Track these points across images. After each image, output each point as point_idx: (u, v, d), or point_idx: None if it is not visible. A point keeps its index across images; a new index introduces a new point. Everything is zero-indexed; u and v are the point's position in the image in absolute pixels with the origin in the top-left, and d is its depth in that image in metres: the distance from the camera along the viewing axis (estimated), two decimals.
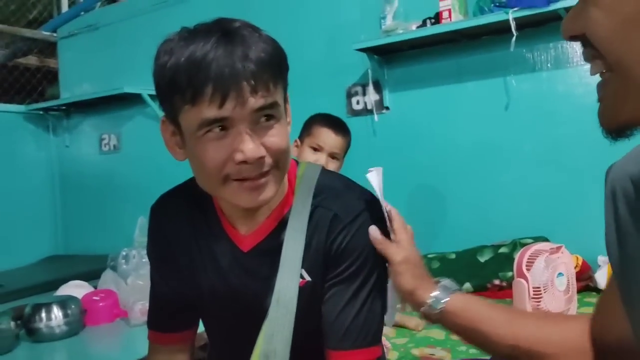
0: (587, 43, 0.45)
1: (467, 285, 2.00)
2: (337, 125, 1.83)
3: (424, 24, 2.28)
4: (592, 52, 0.45)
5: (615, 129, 0.47)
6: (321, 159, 1.79)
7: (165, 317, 0.99)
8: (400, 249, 0.86)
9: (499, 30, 2.12)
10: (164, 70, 0.76)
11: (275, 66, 0.78)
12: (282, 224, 0.87)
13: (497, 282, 1.95)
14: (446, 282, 0.86)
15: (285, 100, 0.84)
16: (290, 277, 0.84)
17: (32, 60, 4.28)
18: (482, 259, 2.08)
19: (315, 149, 1.82)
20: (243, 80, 0.73)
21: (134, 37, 3.29)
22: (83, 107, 3.58)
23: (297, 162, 0.94)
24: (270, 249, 0.87)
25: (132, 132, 3.41)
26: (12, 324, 1.70)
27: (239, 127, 0.75)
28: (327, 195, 0.87)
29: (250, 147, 0.75)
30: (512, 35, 2.04)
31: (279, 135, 0.79)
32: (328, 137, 1.76)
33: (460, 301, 0.83)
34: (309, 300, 0.85)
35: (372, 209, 0.88)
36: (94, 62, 3.60)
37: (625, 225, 0.58)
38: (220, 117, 0.74)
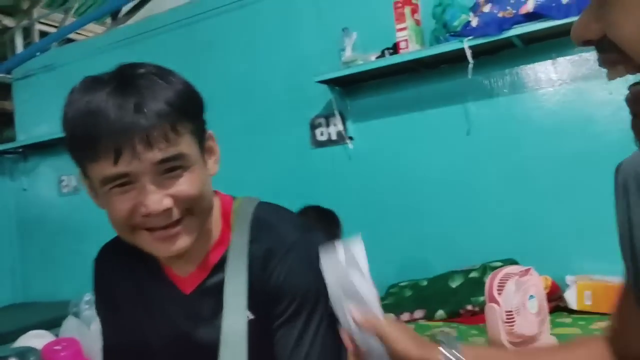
0: (604, 48, 0.43)
1: (441, 312, 1.99)
2: (323, 219, 1.83)
3: (382, 54, 2.32)
4: (613, 57, 0.43)
5: None
6: None
7: None
8: (386, 318, 0.79)
9: (456, 59, 2.17)
10: (65, 124, 0.75)
11: (179, 114, 0.74)
12: (221, 262, 0.85)
13: (469, 307, 1.95)
14: (444, 338, 0.81)
15: (204, 139, 0.81)
16: (235, 317, 0.82)
17: None
18: (453, 285, 2.08)
19: None
20: (135, 135, 0.70)
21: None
22: (41, 149, 3.49)
23: (233, 197, 0.93)
24: (212, 289, 0.85)
25: None
26: None
27: (141, 180, 0.73)
28: (261, 230, 0.85)
29: (153, 201, 0.73)
30: (469, 63, 2.09)
31: (188, 183, 0.76)
32: None
33: (472, 354, 0.78)
34: (258, 337, 0.83)
35: (305, 239, 0.85)
36: (50, 102, 3.51)
37: (638, 217, 0.58)
38: (119, 174, 0.72)
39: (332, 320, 0.85)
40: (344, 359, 0.88)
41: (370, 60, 2.35)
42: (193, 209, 0.77)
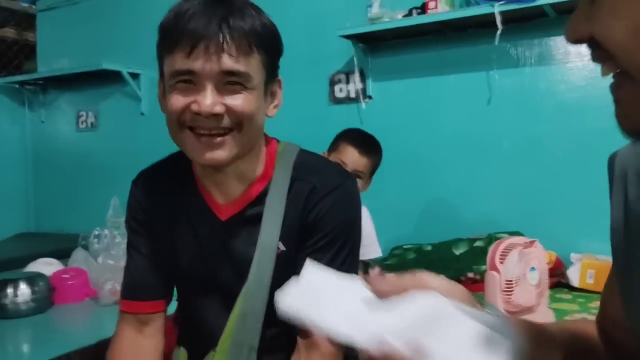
0: (595, 45, 0.43)
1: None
2: (364, 144, 1.74)
3: (410, 13, 2.27)
4: (603, 54, 0.42)
5: (637, 131, 0.45)
6: None
7: (139, 286, 0.99)
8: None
9: (485, 24, 2.11)
10: (161, 24, 0.82)
11: (255, 39, 0.80)
12: (260, 196, 0.90)
13: (471, 275, 1.96)
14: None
15: (272, 78, 0.87)
16: (268, 246, 0.88)
17: (9, 32, 4.16)
18: (457, 252, 2.09)
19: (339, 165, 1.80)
20: (213, 37, 0.76)
21: (115, 13, 3.22)
22: (61, 83, 3.50)
23: (278, 141, 0.98)
24: (248, 219, 0.89)
25: (110, 110, 3.33)
26: None
27: (204, 82, 0.79)
28: (306, 170, 0.91)
29: (207, 101, 0.78)
30: (497, 29, 2.03)
31: (244, 101, 0.81)
32: (352, 156, 1.70)
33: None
34: (283, 268, 0.88)
35: (348, 184, 0.92)
36: (73, 36, 3.51)
37: (636, 205, 0.57)
38: (188, 69, 0.78)
39: (357, 259, 0.93)
40: None
41: (397, 19, 2.30)
42: (242, 125, 0.81)
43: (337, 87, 2.60)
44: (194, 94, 0.79)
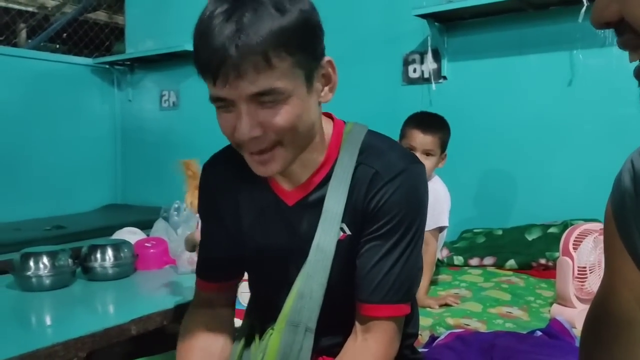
0: (623, 30, 0.41)
1: (512, 262, 1.96)
2: (425, 123, 1.79)
3: None
4: (632, 39, 0.41)
5: None
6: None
7: (211, 268, 1.04)
8: None
9: (568, 1, 2.01)
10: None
11: (277, 47, 0.74)
12: (325, 179, 0.90)
13: (543, 261, 1.91)
14: None
15: (315, 68, 0.81)
16: (330, 227, 0.88)
17: (101, 15, 4.43)
18: (529, 237, 2.03)
19: (410, 150, 1.83)
20: (227, 63, 0.73)
21: None
22: (146, 63, 3.69)
23: (344, 122, 0.96)
24: (313, 203, 0.90)
25: (190, 89, 3.49)
26: (70, 261, 1.81)
27: (238, 106, 0.77)
28: (371, 154, 0.89)
29: (243, 127, 0.77)
30: (582, 5, 1.93)
31: (280, 115, 0.77)
32: (417, 137, 1.76)
33: None
34: (346, 252, 0.89)
35: (413, 170, 0.88)
36: (158, 19, 3.68)
37: None
38: (218, 97, 0.77)
39: (419, 249, 0.90)
40: (417, 286, 0.95)
41: None
42: (283, 140, 0.80)
43: (410, 67, 2.57)
44: (234, 116, 0.78)
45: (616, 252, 0.61)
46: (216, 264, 1.02)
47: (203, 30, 0.75)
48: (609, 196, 0.62)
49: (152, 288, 1.94)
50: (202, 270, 1.05)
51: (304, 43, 0.78)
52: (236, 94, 0.75)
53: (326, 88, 0.85)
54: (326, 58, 0.84)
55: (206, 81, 0.78)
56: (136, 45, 3.83)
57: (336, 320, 0.92)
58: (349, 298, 0.89)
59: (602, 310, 0.65)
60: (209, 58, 0.74)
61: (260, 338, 1.00)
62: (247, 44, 0.72)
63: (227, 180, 0.98)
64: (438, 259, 2.14)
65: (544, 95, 2.23)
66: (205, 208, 1.03)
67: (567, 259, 1.44)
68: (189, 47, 3.06)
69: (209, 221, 1.03)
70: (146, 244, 2.11)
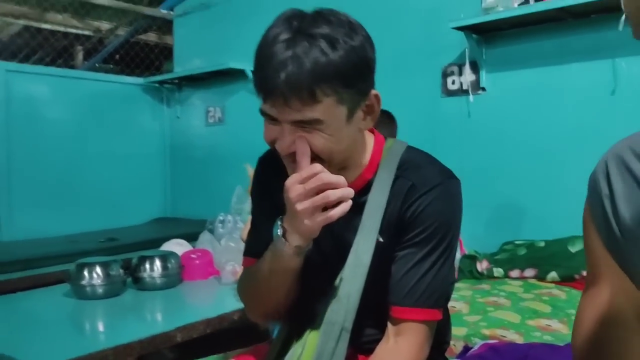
0: None
1: (553, 274, 1.93)
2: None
3: (526, 1, 2.20)
4: None
5: None
6: None
7: (259, 245, 1.06)
8: None
9: (608, 8, 1.99)
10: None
11: (323, 83, 0.80)
12: (365, 190, 0.95)
13: (585, 273, 1.87)
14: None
15: (360, 103, 0.88)
16: (368, 235, 0.93)
17: (151, 37, 4.64)
18: (573, 249, 1.99)
19: None
20: (277, 91, 0.80)
21: (241, 14, 3.46)
22: (193, 81, 3.84)
23: (385, 138, 1.02)
24: (354, 206, 0.91)
25: (235, 105, 3.60)
26: (122, 272, 1.92)
27: (282, 124, 0.84)
28: (409, 167, 0.95)
29: (285, 143, 0.85)
30: (622, 12, 1.90)
31: (319, 141, 0.84)
32: None
33: None
34: (381, 259, 0.93)
35: (449, 184, 0.93)
36: (204, 39, 3.83)
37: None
38: (265, 112, 0.85)
39: (452, 259, 0.95)
40: (450, 295, 1.00)
41: (513, 7, 2.24)
42: (323, 160, 0.86)
43: (449, 79, 2.58)
44: (278, 130, 0.85)
45: (597, 252, 0.62)
46: (264, 240, 1.04)
47: (263, 52, 0.83)
48: (586, 199, 0.64)
49: (197, 298, 2.02)
50: (251, 248, 1.10)
51: (351, 81, 0.84)
52: (281, 116, 0.83)
53: (368, 117, 0.91)
54: (373, 92, 0.90)
55: (258, 96, 0.86)
56: (184, 64, 3.99)
57: (371, 321, 0.97)
58: (383, 300, 0.94)
59: (588, 305, 0.65)
60: (263, 80, 0.82)
61: (298, 337, 1.04)
62: (295, 76, 0.79)
63: (277, 175, 1.01)
64: (477, 271, 2.13)
65: (586, 106, 2.19)
66: (257, 194, 1.11)
67: None
68: (233, 64, 3.23)
69: (259, 205, 1.10)
70: (192, 255, 2.20)
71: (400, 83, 2.72)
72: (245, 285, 1.09)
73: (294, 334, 1.06)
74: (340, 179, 0.84)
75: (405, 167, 0.95)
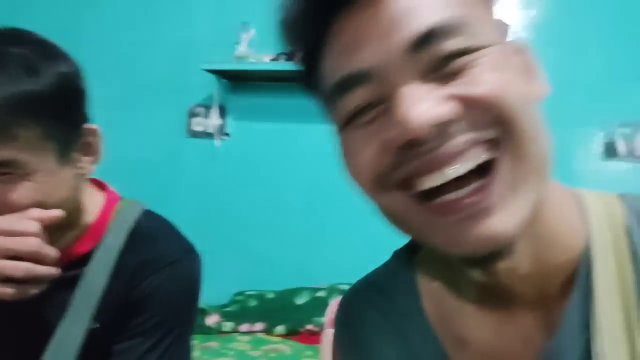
0: None
1: (281, 327, 1.97)
2: None
3: (276, 58, 2.27)
4: None
5: None
6: None
7: None
8: None
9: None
10: None
11: (20, 116, 0.64)
12: (85, 258, 0.77)
13: (310, 327, 1.94)
14: None
15: (73, 139, 0.72)
16: (78, 319, 0.75)
17: None
18: (298, 302, 2.07)
19: None
20: None
21: None
22: None
23: (120, 198, 0.84)
24: (66, 282, 0.75)
25: None
26: None
27: None
28: (142, 238, 0.79)
29: None
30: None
31: (18, 193, 0.66)
32: None
33: None
34: (95, 345, 0.75)
35: (186, 262, 0.81)
36: None
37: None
38: None
39: (187, 342, 0.81)
40: None
41: (263, 61, 2.29)
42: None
43: (194, 120, 2.50)
44: None
45: None
46: None
47: None
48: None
49: None
50: None
51: (56, 113, 0.67)
52: None
53: (86, 159, 0.74)
54: (90, 126, 0.73)
55: None
56: None
57: None
58: None
59: None
60: None
61: None
62: None
63: None
64: (206, 326, 2.04)
65: (318, 162, 2.34)
66: None
67: (331, 330, 1.47)
68: None
69: None
70: None
71: (141, 116, 2.52)
72: None
73: None
74: (45, 249, 0.65)
75: (137, 237, 0.79)
